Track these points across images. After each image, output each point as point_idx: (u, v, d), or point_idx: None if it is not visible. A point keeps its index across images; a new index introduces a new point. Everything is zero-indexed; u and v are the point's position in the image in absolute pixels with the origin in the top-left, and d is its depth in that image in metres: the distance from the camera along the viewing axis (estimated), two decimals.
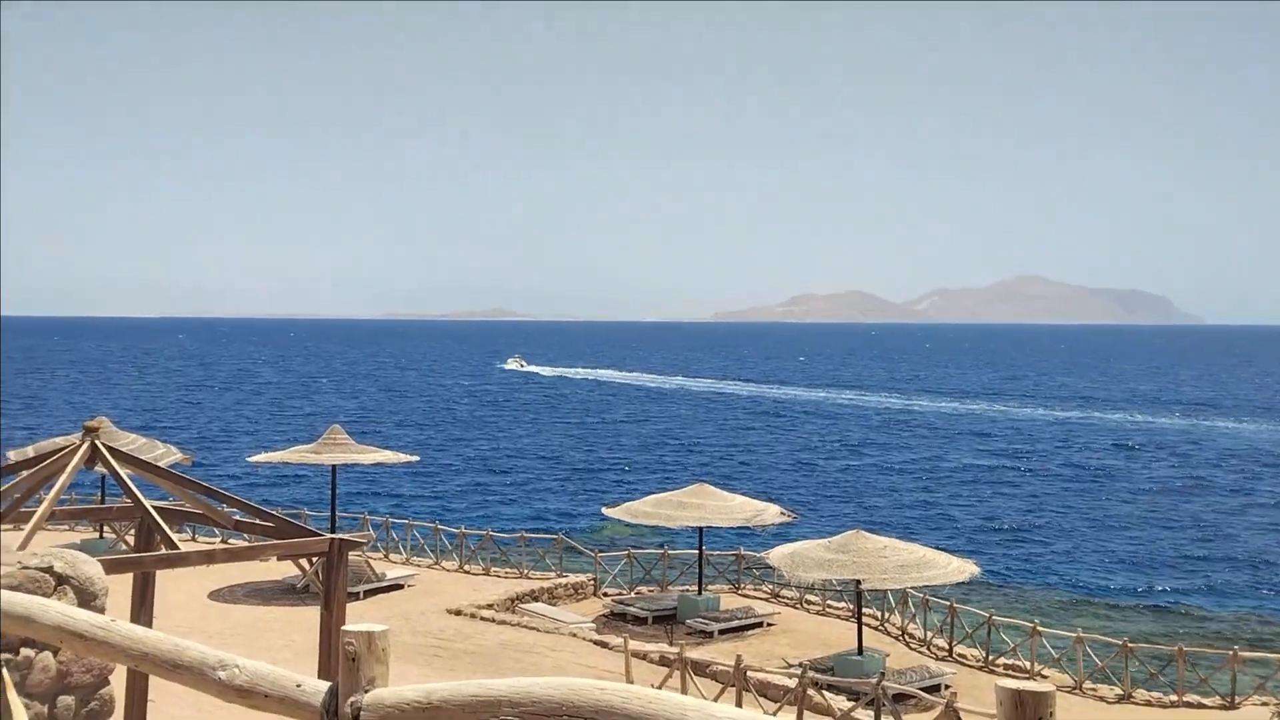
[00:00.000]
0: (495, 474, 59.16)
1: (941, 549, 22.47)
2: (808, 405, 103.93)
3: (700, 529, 25.55)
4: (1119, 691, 21.15)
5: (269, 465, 30.67)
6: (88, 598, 5.82)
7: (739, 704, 18.27)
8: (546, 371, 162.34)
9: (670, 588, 27.85)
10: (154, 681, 9.46)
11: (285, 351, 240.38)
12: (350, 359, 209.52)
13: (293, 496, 49.69)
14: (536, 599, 26.25)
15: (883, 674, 17.41)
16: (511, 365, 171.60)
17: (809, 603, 26.68)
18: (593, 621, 24.44)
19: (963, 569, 21.11)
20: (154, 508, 10.80)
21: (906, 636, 24.03)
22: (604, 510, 26.54)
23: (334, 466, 26.91)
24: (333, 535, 10.18)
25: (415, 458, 29.93)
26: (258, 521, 10.75)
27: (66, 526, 29.94)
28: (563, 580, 27.52)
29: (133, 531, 29.55)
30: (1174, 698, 21.01)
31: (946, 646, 23.17)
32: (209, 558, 9.79)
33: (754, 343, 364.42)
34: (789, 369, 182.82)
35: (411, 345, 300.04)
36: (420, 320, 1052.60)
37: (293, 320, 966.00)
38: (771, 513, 25.61)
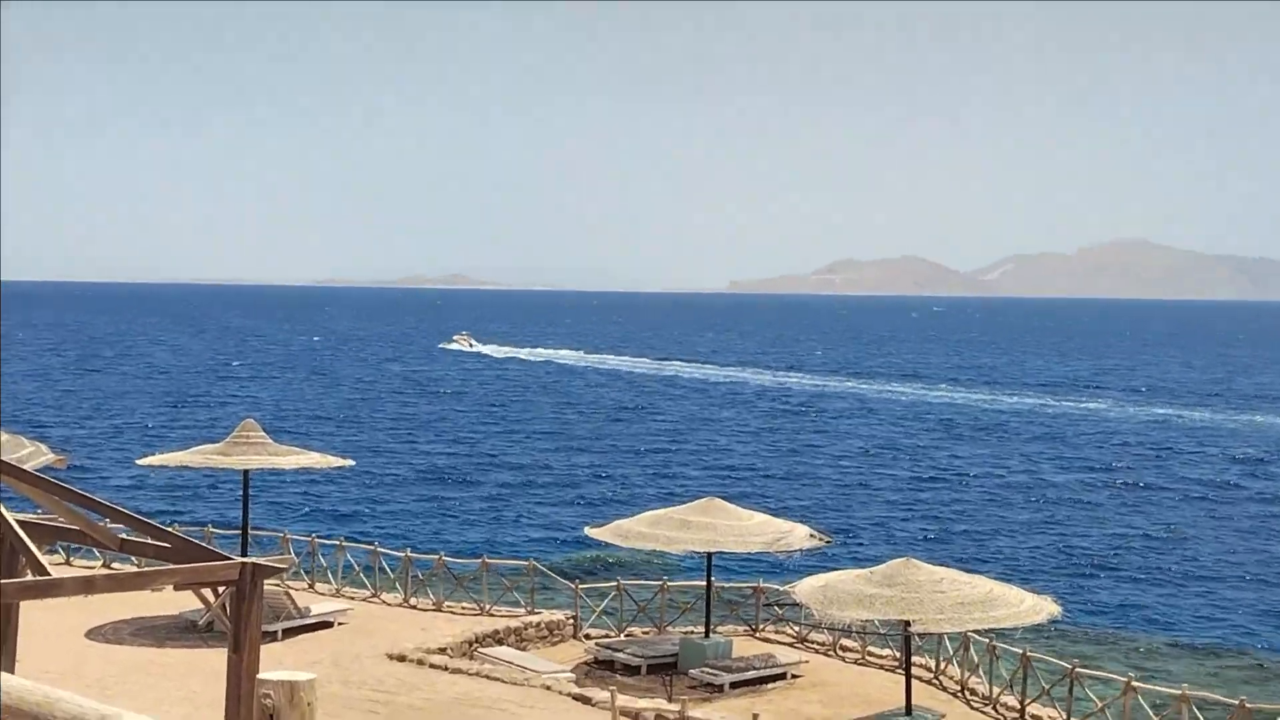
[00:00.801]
0: (449, 483, 59.19)
1: (1012, 582, 22.52)
2: (845, 399, 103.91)
3: (709, 555, 25.54)
4: None
5: (164, 470, 30.79)
6: None
7: None
8: (500, 352, 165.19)
9: (670, 629, 27.87)
10: None
11: (188, 325, 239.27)
12: (271, 335, 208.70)
13: (194, 510, 49.59)
14: (501, 641, 26.32)
15: None
16: (457, 344, 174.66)
17: (845, 649, 26.79)
18: (571, 671, 24.50)
19: (1039, 608, 21.03)
20: (17, 522, 10.79)
21: (967, 692, 24.10)
22: (587, 531, 26.55)
23: (246, 472, 26.91)
24: (244, 559, 10.18)
25: (349, 461, 29.97)
26: (149, 541, 10.72)
27: None
28: (534, 618, 27.55)
29: None
30: None
31: (1018, 705, 23.22)
32: (87, 586, 9.79)
33: (778, 318, 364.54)
34: (821, 352, 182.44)
35: (345, 318, 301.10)
36: (357, 288, 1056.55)
37: (202, 286, 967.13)
38: (799, 535, 25.54)
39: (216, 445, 27.55)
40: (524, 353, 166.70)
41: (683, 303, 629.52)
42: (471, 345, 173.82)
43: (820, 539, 25.91)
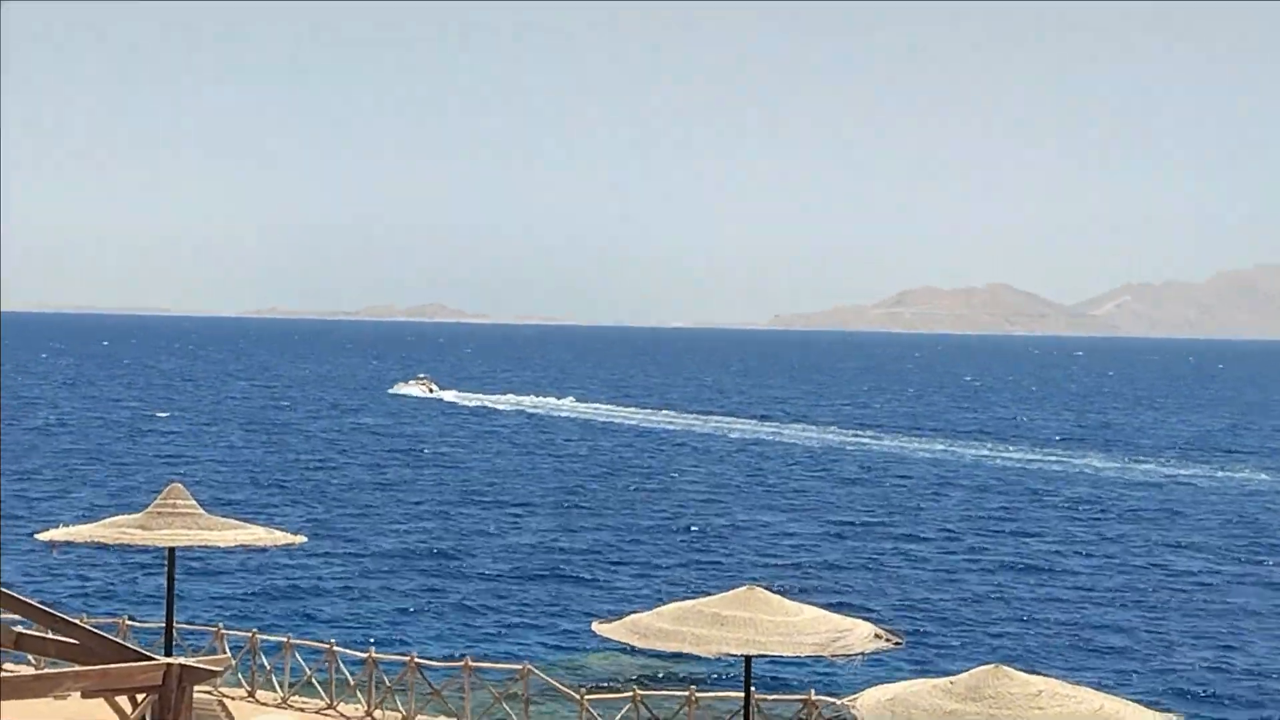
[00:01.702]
0: (423, 567, 59.11)
1: (1131, 698, 22.40)
2: (916, 464, 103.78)
3: (748, 659, 25.23)
4: None
5: (70, 547, 30.80)
6: None
7: None
8: (467, 399, 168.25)
9: None
10: None
11: (101, 363, 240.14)
12: (201, 376, 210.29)
13: (107, 597, 49.12)
14: None
15: None
16: (412, 388, 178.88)
17: None
18: None
19: None
20: None
21: None
22: (595, 626, 26.36)
23: (172, 550, 26.49)
24: (169, 659, 10.15)
25: (299, 538, 29.83)
26: (52, 636, 10.70)
27: None
28: None
29: None
30: None
31: None
32: None
33: (831, 360, 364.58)
34: (887, 402, 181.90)
35: (291, 356, 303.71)
36: (304, 319, 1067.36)
37: (118, 316, 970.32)
38: (861, 635, 25.17)
39: (135, 516, 26.83)
40: (496, 400, 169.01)
41: (713, 340, 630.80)
42: (431, 390, 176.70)
43: (887, 639, 25.71)
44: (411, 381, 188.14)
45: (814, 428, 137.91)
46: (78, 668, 9.89)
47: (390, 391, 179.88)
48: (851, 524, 73.96)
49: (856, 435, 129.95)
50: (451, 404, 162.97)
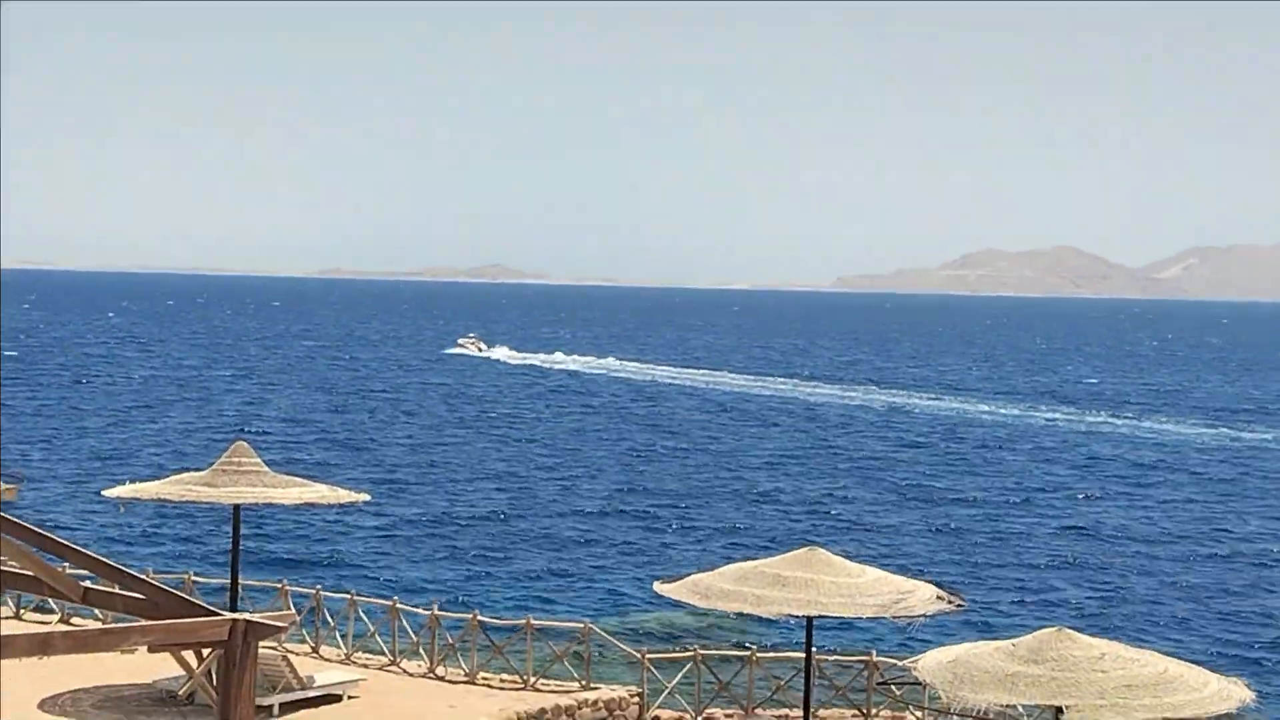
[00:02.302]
0: (484, 527, 59.44)
1: (1195, 661, 22.20)
2: (983, 427, 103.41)
3: (809, 620, 25.25)
4: None
5: (136, 503, 30.73)
6: None
7: None
8: (514, 357, 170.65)
9: (759, 711, 27.81)
10: None
11: (164, 324, 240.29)
12: (265, 336, 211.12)
13: (173, 554, 49.50)
14: None
15: None
16: (464, 347, 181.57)
17: None
18: None
19: (1226, 693, 20.49)
20: None
21: None
22: (656, 586, 26.41)
23: (237, 507, 26.81)
24: (235, 615, 10.23)
25: (363, 495, 29.89)
26: (118, 591, 10.81)
27: None
28: (590, 695, 27.57)
29: None
30: None
31: None
32: (43, 645, 9.85)
33: (898, 322, 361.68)
34: (953, 364, 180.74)
35: (353, 316, 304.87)
36: (370, 280, 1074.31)
37: (184, 276, 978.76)
38: (923, 596, 25.11)
39: (200, 474, 27.30)
40: (543, 358, 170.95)
41: (776, 302, 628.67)
42: (481, 349, 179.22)
43: (950, 601, 25.47)
44: (462, 340, 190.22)
45: (877, 390, 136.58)
46: (144, 622, 9.96)
47: (444, 351, 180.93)
48: (915, 486, 73.76)
49: (920, 398, 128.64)
50: (502, 363, 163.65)
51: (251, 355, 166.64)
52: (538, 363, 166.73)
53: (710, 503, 67.84)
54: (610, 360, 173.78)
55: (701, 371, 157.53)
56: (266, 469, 27.76)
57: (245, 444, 28.32)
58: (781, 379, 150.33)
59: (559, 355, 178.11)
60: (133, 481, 29.87)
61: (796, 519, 63.80)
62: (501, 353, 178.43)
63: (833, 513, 65.52)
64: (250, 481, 26.95)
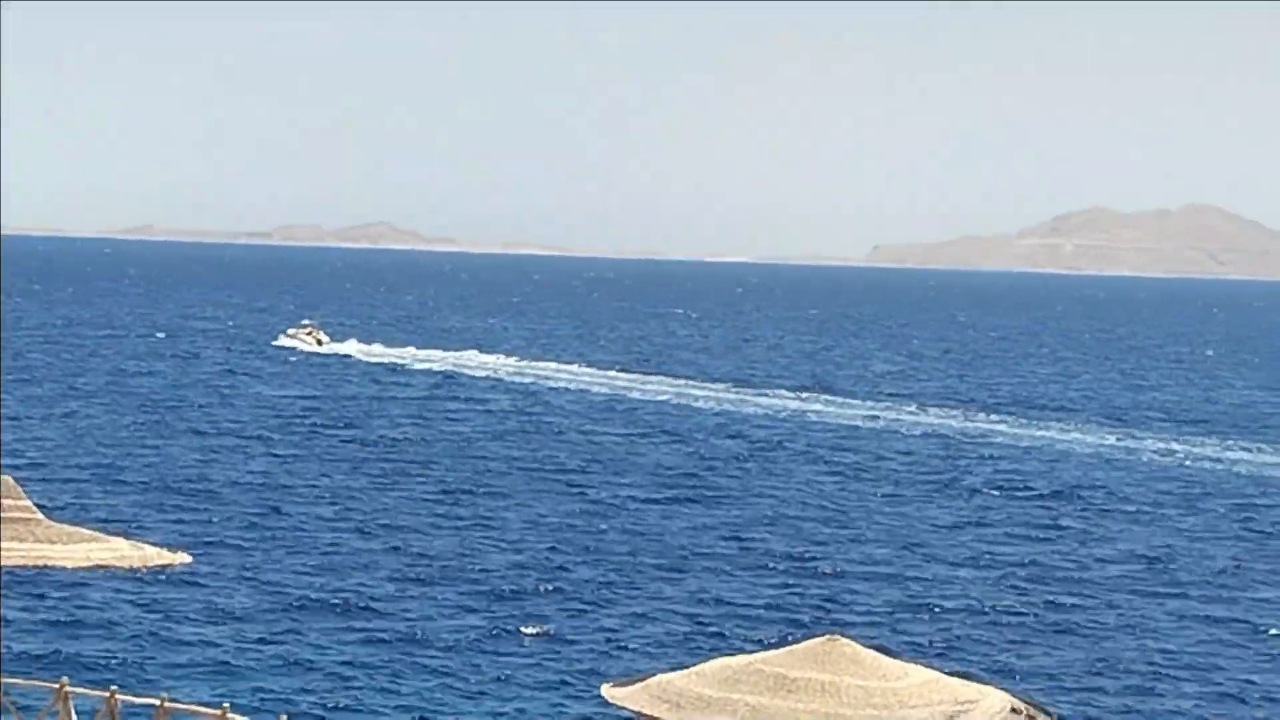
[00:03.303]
0: (351, 598, 57.26)
1: None
2: (1088, 465, 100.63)
3: None
4: None
5: None
6: None
7: None
8: (368, 353, 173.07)
9: None
10: None
11: None
12: (36, 320, 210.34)
13: None
14: None
15: None
16: (297, 339, 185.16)
17: None
18: None
19: None
20: None
21: None
22: (605, 691, 26.20)
23: None
24: None
25: (182, 557, 29.35)
26: None
27: None
28: None
29: None
30: None
31: None
32: None
33: (955, 307, 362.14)
34: (1040, 373, 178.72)
35: (161, 293, 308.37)
36: (194, 243, 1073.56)
37: None
38: (992, 708, 24.99)
39: None
40: (413, 356, 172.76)
41: (787, 279, 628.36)
42: (320, 343, 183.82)
43: (1030, 716, 25.72)
44: (292, 330, 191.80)
45: (923, 409, 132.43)
46: None
47: (271, 344, 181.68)
48: (981, 550, 71.68)
49: (993, 421, 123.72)
50: (352, 360, 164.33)
51: (16, 351, 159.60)
52: (404, 360, 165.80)
53: (682, 566, 65.00)
54: (501, 358, 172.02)
55: (663, 380, 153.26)
56: (39, 515, 26.74)
57: (9, 479, 26.81)
58: (779, 391, 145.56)
59: (472, 354, 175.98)
60: None
61: (810, 593, 60.50)
62: (350, 346, 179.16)
63: (863, 586, 62.64)
64: (15, 533, 25.92)
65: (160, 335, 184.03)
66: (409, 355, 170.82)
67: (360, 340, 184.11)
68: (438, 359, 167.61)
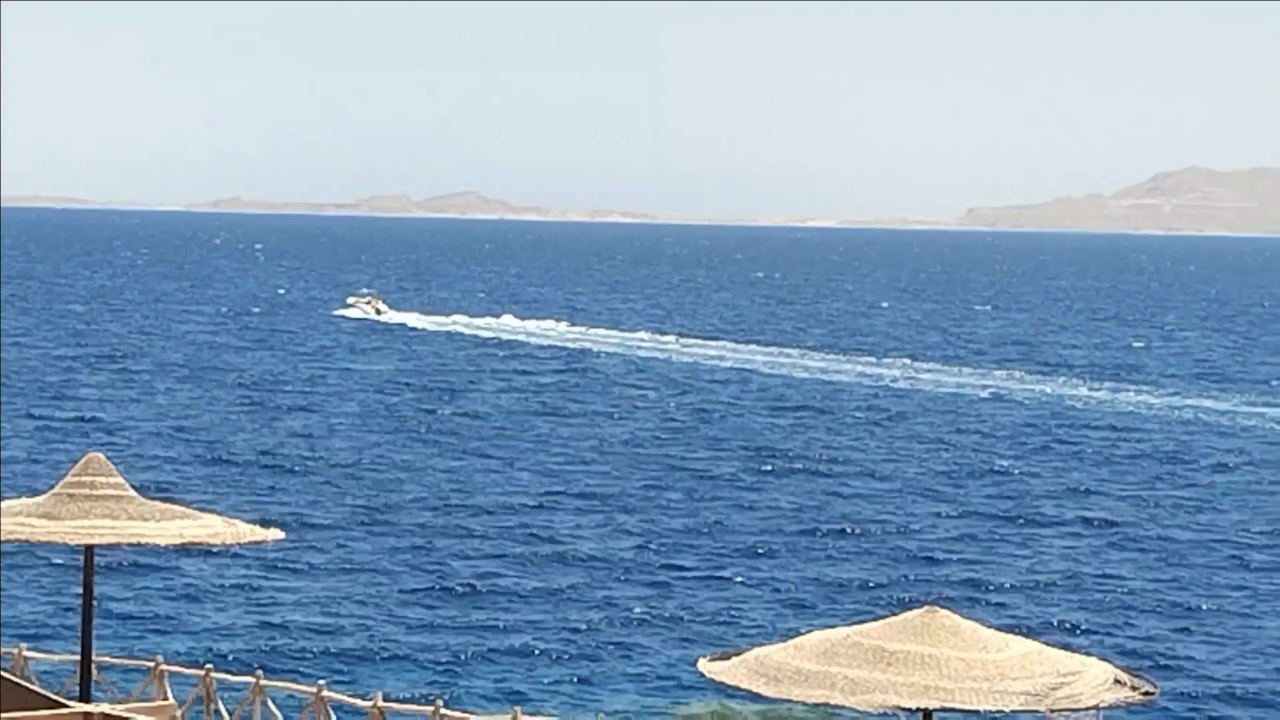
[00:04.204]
0: (446, 575, 57.06)
1: None
2: (1196, 431, 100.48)
3: (925, 714, 25.09)
4: None
5: None
6: None
7: None
8: (426, 322, 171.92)
9: None
10: None
11: None
12: (128, 294, 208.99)
13: None
14: None
15: None
16: (357, 308, 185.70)
17: None
18: None
19: None
20: None
21: None
22: (702, 665, 26.24)
23: (89, 548, 25.97)
24: (87, 706, 10.40)
25: (274, 533, 29.09)
26: None
27: None
28: None
29: None
30: None
31: None
32: None
33: (1051, 271, 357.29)
34: (1159, 343, 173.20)
35: (251, 265, 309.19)
36: (281, 215, 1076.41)
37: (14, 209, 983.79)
38: (1094, 679, 24.80)
39: (35, 500, 26.42)
40: (469, 324, 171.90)
41: (877, 243, 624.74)
42: (379, 313, 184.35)
43: (1133, 688, 25.53)
44: (353, 299, 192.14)
45: (1027, 376, 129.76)
46: None
47: (332, 314, 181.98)
48: (1085, 520, 71.26)
49: (1097, 388, 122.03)
50: (411, 328, 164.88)
51: (107, 323, 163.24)
52: (468, 329, 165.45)
53: (779, 539, 64.50)
54: (619, 331, 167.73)
55: (760, 348, 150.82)
56: (133, 493, 26.47)
57: (101, 457, 26.86)
58: (869, 358, 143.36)
59: (536, 323, 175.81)
60: None
61: (909, 564, 60.14)
62: (413, 317, 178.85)
63: (964, 557, 62.23)
64: (108, 511, 25.89)
65: (255, 310, 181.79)
66: (495, 325, 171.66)
67: (420, 311, 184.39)
68: (515, 329, 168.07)
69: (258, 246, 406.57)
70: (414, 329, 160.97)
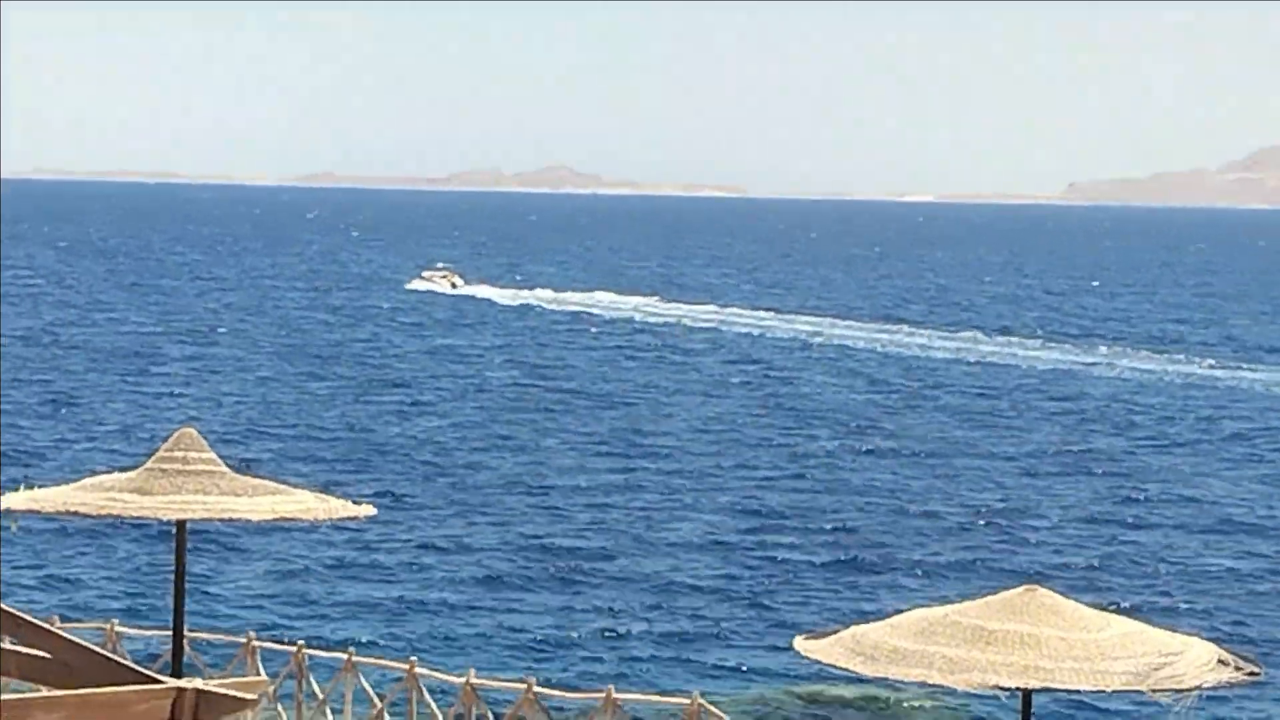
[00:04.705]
0: (538, 553, 56.63)
1: None
2: None
3: (1026, 693, 24.93)
4: None
5: (35, 518, 31.42)
6: None
7: None
8: (502, 295, 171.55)
9: None
10: None
11: (86, 251, 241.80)
12: (220, 268, 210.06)
13: (90, 593, 48.57)
14: None
15: None
16: (431, 282, 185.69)
17: None
18: None
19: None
20: None
21: None
22: (798, 643, 26.06)
23: (181, 523, 26.13)
24: (180, 682, 10.36)
25: (366, 509, 29.93)
26: (13, 647, 10.97)
27: None
28: None
29: None
30: None
31: None
32: None
33: (1160, 247, 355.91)
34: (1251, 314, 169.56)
35: (344, 240, 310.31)
36: (371, 190, 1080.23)
37: (106, 183, 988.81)
38: (1197, 659, 24.53)
39: (128, 475, 26.12)
40: (555, 299, 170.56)
41: (979, 218, 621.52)
42: (454, 286, 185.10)
43: (1237, 668, 25.23)
44: (427, 273, 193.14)
45: (1129, 352, 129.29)
46: (48, 692, 10.03)
47: (406, 288, 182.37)
48: (1185, 499, 69.99)
49: (1211, 366, 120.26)
50: (485, 300, 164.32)
51: (198, 298, 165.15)
52: (552, 304, 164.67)
53: (877, 517, 63.78)
54: (638, 298, 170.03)
55: (856, 323, 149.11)
56: (225, 468, 26.64)
57: (194, 432, 26.89)
58: (972, 333, 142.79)
59: (601, 295, 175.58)
60: (30, 486, 27.72)
61: (1008, 543, 59.19)
62: (486, 290, 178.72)
63: (1064, 536, 61.20)
64: (201, 486, 26.06)
65: (346, 286, 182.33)
66: (589, 300, 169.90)
67: (492, 284, 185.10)
68: (609, 304, 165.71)
69: (351, 222, 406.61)
70: (494, 303, 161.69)
